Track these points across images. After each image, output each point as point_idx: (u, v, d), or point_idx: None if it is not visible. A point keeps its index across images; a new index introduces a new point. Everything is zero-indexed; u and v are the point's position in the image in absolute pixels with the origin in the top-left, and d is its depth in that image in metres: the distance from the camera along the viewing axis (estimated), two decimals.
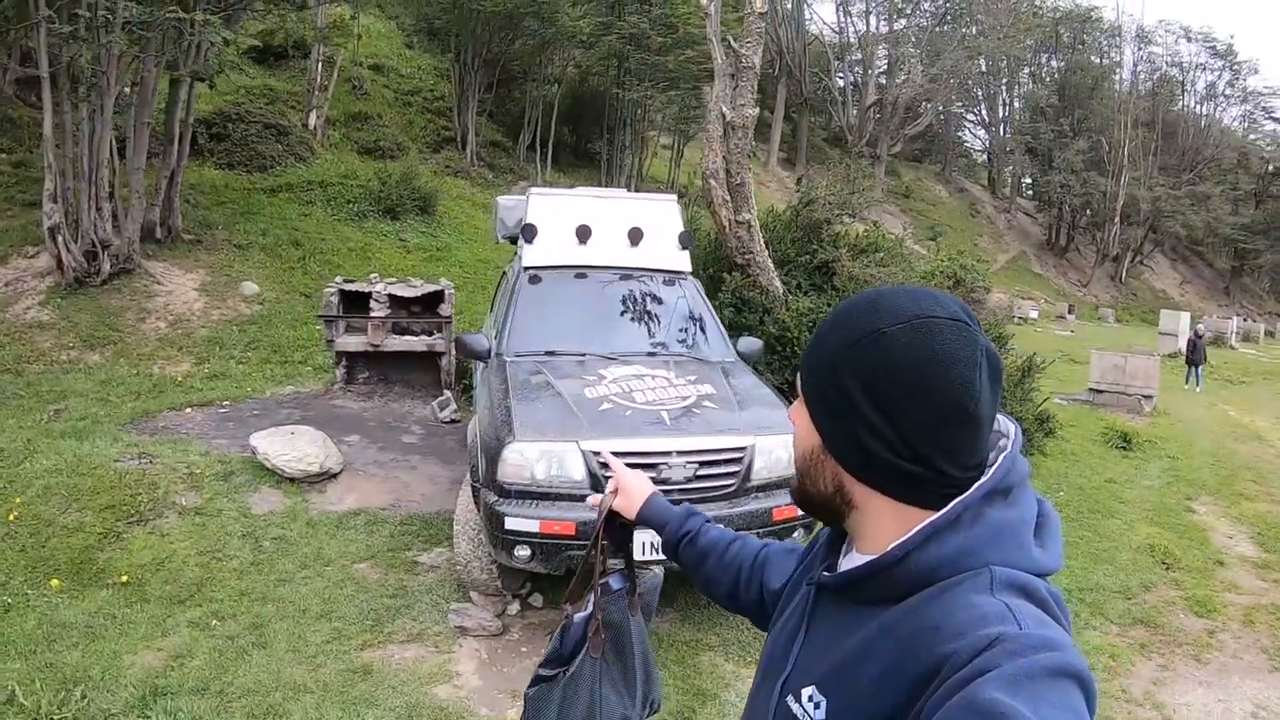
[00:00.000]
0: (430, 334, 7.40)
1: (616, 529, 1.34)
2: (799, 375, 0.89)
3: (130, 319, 8.50)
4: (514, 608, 3.98)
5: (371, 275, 7.77)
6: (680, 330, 4.95)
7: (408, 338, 7.32)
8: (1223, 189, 41.30)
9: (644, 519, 1.32)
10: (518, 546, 3.44)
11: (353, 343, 7.19)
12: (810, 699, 0.82)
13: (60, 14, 7.35)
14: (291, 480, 5.13)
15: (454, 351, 7.40)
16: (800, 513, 3.55)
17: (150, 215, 9.53)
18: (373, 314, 7.15)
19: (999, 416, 0.84)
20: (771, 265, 7.51)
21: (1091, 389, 11.70)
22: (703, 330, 4.99)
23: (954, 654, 0.68)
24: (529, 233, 4.97)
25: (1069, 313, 31.67)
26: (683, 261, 5.29)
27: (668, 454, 3.58)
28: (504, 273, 6.06)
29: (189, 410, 6.69)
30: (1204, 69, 45.28)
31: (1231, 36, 56.14)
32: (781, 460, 3.75)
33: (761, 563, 1.21)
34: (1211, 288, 46.03)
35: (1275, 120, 45.88)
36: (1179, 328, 20.84)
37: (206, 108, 12.40)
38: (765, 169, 30.25)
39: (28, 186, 9.86)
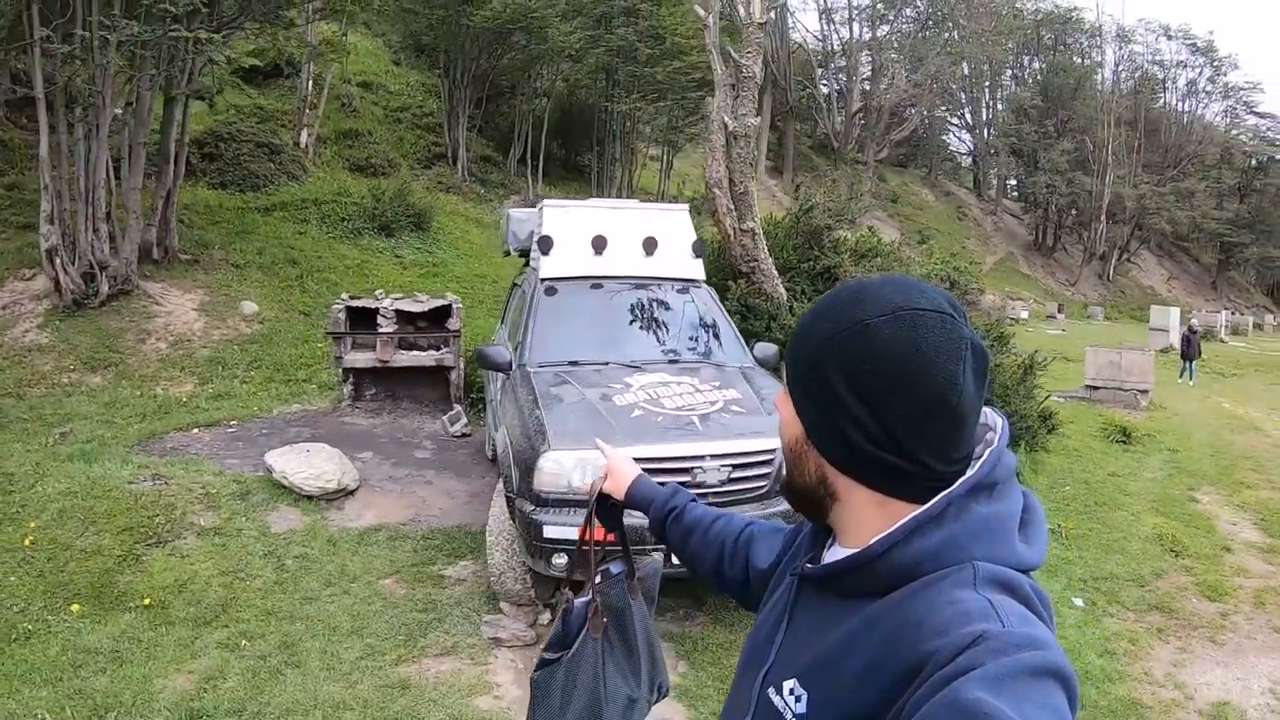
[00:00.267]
0: (438, 348, 7.37)
1: (608, 510, 1.39)
2: (784, 365, 0.88)
3: (130, 340, 8.43)
4: (545, 617, 3.96)
5: (377, 291, 7.74)
6: (698, 337, 4.98)
7: (416, 353, 7.29)
8: (1207, 184, 41.76)
9: (631, 499, 1.34)
10: (556, 555, 3.44)
11: (362, 359, 7.15)
12: (791, 691, 0.81)
13: (57, 33, 7.32)
14: (309, 498, 5.09)
15: (463, 365, 7.39)
16: None
17: (147, 236, 9.46)
18: (381, 330, 7.13)
19: (987, 410, 0.83)
20: (775, 272, 7.56)
21: (1088, 385, 11.80)
22: (719, 337, 5.01)
23: (937, 651, 0.67)
24: (545, 244, 4.98)
25: (1058, 312, 31.97)
26: (697, 270, 5.32)
27: (701, 458, 3.60)
28: (514, 284, 6.06)
29: (196, 430, 6.63)
30: (1184, 66, 45.80)
31: (1210, 32, 56.85)
32: None
33: (746, 540, 1.20)
34: (1199, 282, 46.48)
35: (1257, 115, 46.39)
36: (1169, 323, 21.06)
37: (198, 127, 12.33)
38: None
39: (21, 209, 9.77)
